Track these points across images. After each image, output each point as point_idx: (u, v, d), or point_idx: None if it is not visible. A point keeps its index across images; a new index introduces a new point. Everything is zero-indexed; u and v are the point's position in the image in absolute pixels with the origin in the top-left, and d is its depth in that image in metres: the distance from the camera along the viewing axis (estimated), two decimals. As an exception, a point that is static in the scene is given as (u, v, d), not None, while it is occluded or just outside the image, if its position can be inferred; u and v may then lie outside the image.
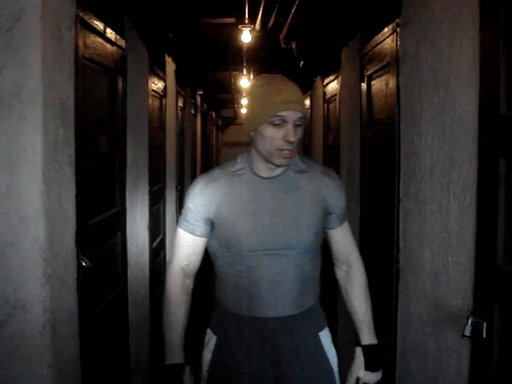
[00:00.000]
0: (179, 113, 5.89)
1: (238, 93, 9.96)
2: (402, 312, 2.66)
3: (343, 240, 2.04)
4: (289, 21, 4.01)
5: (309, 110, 6.29)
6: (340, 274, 2.07)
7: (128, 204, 3.28)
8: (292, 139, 1.74)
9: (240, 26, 4.49)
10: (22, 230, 1.92)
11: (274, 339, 1.88)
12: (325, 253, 2.02)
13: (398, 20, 2.71)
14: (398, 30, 2.71)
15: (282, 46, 4.85)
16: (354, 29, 3.77)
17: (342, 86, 4.35)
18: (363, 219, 3.59)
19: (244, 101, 11.34)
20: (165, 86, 4.75)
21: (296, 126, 1.76)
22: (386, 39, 2.94)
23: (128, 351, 3.33)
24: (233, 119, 15.66)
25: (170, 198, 5.09)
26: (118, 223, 3.12)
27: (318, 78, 5.79)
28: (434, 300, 2.24)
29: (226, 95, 10.28)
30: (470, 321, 1.82)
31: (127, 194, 3.25)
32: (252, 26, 4.43)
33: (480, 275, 1.86)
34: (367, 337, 1.96)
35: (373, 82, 3.37)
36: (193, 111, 7.60)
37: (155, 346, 4.21)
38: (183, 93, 6.25)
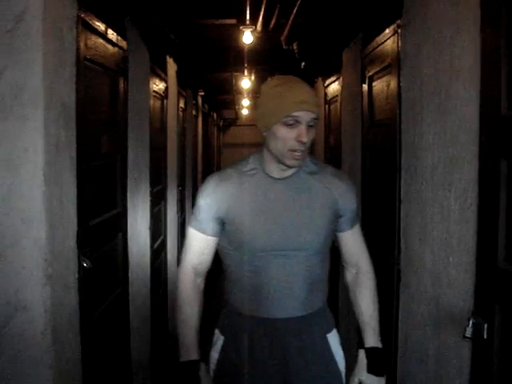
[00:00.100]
0: (180, 114, 5.88)
1: (240, 94, 9.95)
2: (403, 312, 2.66)
3: (353, 243, 2.02)
4: (290, 22, 4.01)
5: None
6: (349, 276, 2.05)
7: (129, 205, 3.28)
8: (305, 140, 1.74)
9: (241, 27, 4.48)
10: (23, 230, 1.92)
11: (281, 340, 1.88)
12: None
13: (399, 21, 2.72)
14: (400, 31, 2.71)
15: (284, 47, 4.85)
16: (355, 30, 3.77)
17: (343, 87, 4.35)
18: (364, 220, 3.59)
19: (245, 101, 11.35)
20: (166, 87, 4.75)
21: (309, 126, 1.76)
22: (388, 40, 2.94)
23: (129, 352, 3.33)
24: (234, 120, 15.64)
25: (171, 198, 5.09)
26: (119, 224, 3.12)
27: (320, 79, 5.79)
28: (435, 301, 2.24)
29: (227, 96, 10.27)
30: (470, 322, 1.82)
31: (128, 194, 3.25)
32: (253, 27, 4.42)
33: (481, 276, 1.85)
34: (371, 340, 1.93)
35: (374, 83, 3.37)
36: (194, 112, 7.60)
37: (156, 346, 4.21)
38: (184, 94, 6.25)
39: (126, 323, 3.27)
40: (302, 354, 1.89)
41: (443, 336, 2.16)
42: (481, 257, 1.85)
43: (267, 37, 4.75)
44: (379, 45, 3.13)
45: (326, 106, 5.38)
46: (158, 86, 4.33)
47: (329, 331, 1.97)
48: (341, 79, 4.42)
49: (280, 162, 1.82)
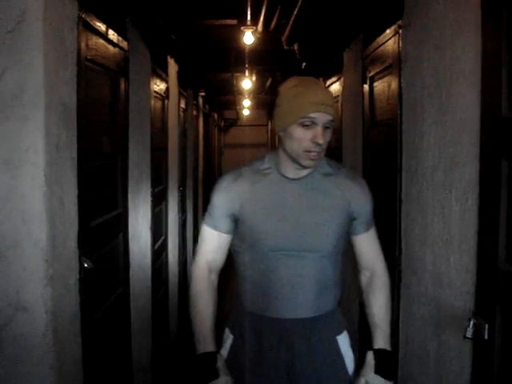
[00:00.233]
0: (181, 114, 5.88)
1: (241, 94, 9.96)
2: (404, 313, 2.65)
3: (368, 246, 2.00)
4: (291, 22, 4.01)
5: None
6: (363, 279, 2.02)
7: (130, 205, 3.28)
8: (321, 141, 1.74)
9: (242, 28, 4.48)
10: (24, 231, 1.92)
11: (289, 341, 1.87)
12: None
13: (399, 22, 2.72)
14: (400, 31, 2.71)
15: (285, 47, 4.85)
16: (356, 30, 3.77)
17: (344, 87, 4.35)
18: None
19: (246, 102, 11.35)
20: (167, 88, 4.75)
21: (325, 128, 1.76)
22: (388, 41, 2.94)
23: (130, 352, 3.33)
24: (235, 121, 15.62)
25: (172, 199, 5.09)
26: (120, 224, 3.12)
27: (321, 79, 5.78)
28: (436, 301, 2.24)
29: (228, 96, 10.27)
30: (471, 322, 1.82)
31: (129, 195, 3.25)
32: (254, 28, 4.43)
33: (482, 277, 1.86)
34: (381, 342, 1.89)
35: (375, 84, 3.37)
36: (195, 112, 7.60)
37: (157, 347, 4.21)
38: (185, 94, 6.25)
39: (127, 324, 3.27)
40: (310, 356, 1.88)
41: (444, 336, 2.16)
42: (481, 257, 1.85)
43: (268, 37, 4.76)
44: (380, 45, 3.13)
45: (327, 107, 5.36)
46: (158, 86, 4.34)
47: (339, 333, 1.96)
48: (342, 80, 4.42)
49: (295, 162, 1.82)
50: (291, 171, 1.88)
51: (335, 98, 4.87)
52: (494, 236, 1.75)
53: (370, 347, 1.90)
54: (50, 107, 1.96)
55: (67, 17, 2.16)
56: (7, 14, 1.88)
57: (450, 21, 2.09)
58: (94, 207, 2.57)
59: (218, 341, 1.98)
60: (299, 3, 3.55)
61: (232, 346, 1.96)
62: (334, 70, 4.69)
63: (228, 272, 2.06)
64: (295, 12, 3.73)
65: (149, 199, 3.91)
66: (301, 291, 1.86)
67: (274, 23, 4.29)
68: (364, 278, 2.02)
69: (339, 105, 4.61)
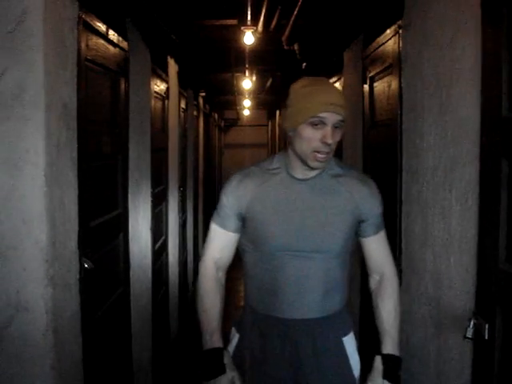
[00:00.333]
0: (181, 114, 5.88)
1: (241, 94, 9.96)
2: (405, 313, 2.65)
3: (377, 249, 1.97)
4: (291, 22, 4.01)
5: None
6: (372, 283, 2.00)
7: (130, 205, 3.28)
8: (330, 141, 1.73)
9: (242, 28, 4.48)
10: (24, 231, 1.92)
11: (295, 341, 1.87)
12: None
13: (400, 22, 2.72)
14: (400, 31, 2.71)
15: (285, 47, 4.86)
16: (356, 31, 3.77)
17: (344, 87, 4.35)
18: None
19: (246, 102, 11.35)
20: (167, 88, 4.75)
21: (335, 128, 1.75)
22: (388, 41, 2.94)
23: (130, 353, 3.33)
24: (236, 121, 15.62)
25: (172, 199, 5.09)
26: (121, 225, 3.12)
27: (321, 79, 5.78)
28: (436, 301, 2.24)
29: (228, 97, 10.27)
30: (471, 322, 1.82)
31: (129, 195, 3.25)
32: (254, 28, 4.43)
33: (482, 277, 1.86)
34: (389, 347, 1.87)
35: (375, 84, 3.37)
36: (195, 113, 7.60)
37: (157, 347, 4.21)
38: (186, 94, 6.24)
39: (128, 324, 3.27)
40: (315, 356, 1.87)
41: (444, 337, 2.16)
42: (482, 257, 1.85)
43: (268, 37, 4.76)
44: (380, 45, 3.13)
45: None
46: (159, 86, 4.34)
47: (345, 334, 1.95)
48: (342, 80, 4.42)
49: (303, 162, 1.82)
50: (300, 172, 1.87)
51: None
52: (494, 236, 1.75)
53: (378, 352, 1.88)
54: (51, 107, 1.97)
55: (67, 17, 2.16)
56: (7, 14, 1.88)
57: (450, 21, 2.09)
58: (94, 207, 2.57)
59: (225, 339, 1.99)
60: (299, 3, 3.56)
61: (238, 345, 1.97)
62: (334, 70, 4.69)
63: (231, 268, 2.05)
64: (295, 12, 3.73)
65: (149, 199, 3.91)
66: (307, 292, 1.86)
67: (274, 23, 4.29)
68: (373, 281, 2.00)
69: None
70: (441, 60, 2.19)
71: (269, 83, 8.40)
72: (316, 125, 1.74)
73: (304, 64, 5.53)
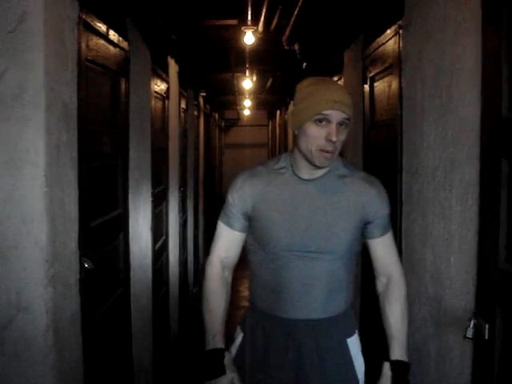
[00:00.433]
0: (182, 114, 5.88)
1: (241, 94, 9.96)
2: (405, 314, 2.65)
3: (384, 251, 1.95)
4: (291, 22, 4.01)
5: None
6: (379, 286, 1.98)
7: (131, 206, 3.28)
8: (334, 139, 1.72)
9: (243, 28, 4.48)
10: (24, 231, 1.92)
11: (298, 342, 1.86)
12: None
13: (400, 22, 2.72)
14: (401, 31, 2.71)
15: (285, 47, 4.85)
16: (356, 30, 3.77)
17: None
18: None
19: (247, 102, 11.35)
20: (167, 88, 4.76)
21: (340, 126, 1.75)
22: (389, 41, 2.94)
23: (131, 353, 3.34)
24: (236, 121, 15.63)
25: (172, 199, 5.09)
26: (121, 225, 3.12)
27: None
28: (436, 301, 2.24)
29: (228, 97, 10.27)
30: (472, 322, 1.82)
31: (130, 195, 3.26)
32: (255, 28, 4.43)
33: (482, 277, 1.86)
34: (397, 352, 1.86)
35: (375, 84, 3.37)
36: (195, 113, 7.60)
37: (158, 347, 4.21)
38: (186, 94, 6.25)
39: (128, 324, 3.27)
40: (319, 357, 1.87)
41: (444, 336, 2.16)
42: (482, 257, 1.85)
43: (269, 37, 4.76)
44: (380, 45, 3.13)
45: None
46: (159, 86, 4.34)
47: (349, 336, 1.93)
48: (342, 80, 4.42)
49: (309, 161, 1.81)
50: (306, 172, 1.87)
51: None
52: (494, 236, 1.75)
53: (387, 358, 1.86)
54: (51, 108, 1.97)
55: (68, 17, 2.16)
56: (8, 15, 1.88)
57: (451, 21, 2.09)
58: (95, 207, 2.57)
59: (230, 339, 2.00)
60: (300, 3, 3.56)
61: (241, 344, 1.97)
62: (335, 70, 4.69)
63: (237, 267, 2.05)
64: (296, 12, 3.73)
65: (149, 199, 3.91)
66: (311, 292, 1.85)
67: (274, 23, 4.29)
68: (380, 284, 1.98)
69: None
70: (441, 60, 2.19)
71: (269, 83, 8.40)
72: (321, 122, 1.74)
73: (304, 64, 5.54)
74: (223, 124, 15.75)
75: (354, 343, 1.94)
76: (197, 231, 7.81)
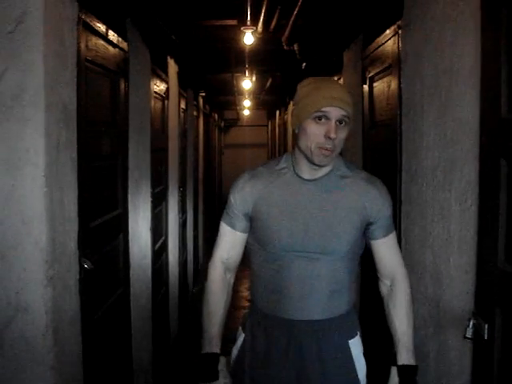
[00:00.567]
0: (181, 114, 5.88)
1: (241, 94, 9.97)
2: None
3: (386, 252, 1.92)
4: (291, 23, 4.01)
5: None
6: (383, 288, 1.96)
7: (130, 206, 3.28)
8: (333, 135, 1.71)
9: (242, 28, 4.49)
10: (24, 232, 1.92)
11: (299, 342, 1.86)
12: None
13: (399, 22, 2.72)
14: (400, 32, 2.71)
15: (285, 47, 4.85)
16: (355, 31, 3.77)
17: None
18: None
19: (246, 102, 11.35)
20: (167, 88, 4.76)
21: (339, 124, 1.74)
22: (388, 41, 2.95)
23: (130, 353, 3.34)
24: (235, 121, 15.63)
25: (172, 199, 5.09)
26: (120, 225, 3.12)
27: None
28: (436, 301, 2.24)
29: (228, 97, 10.28)
30: (471, 322, 1.82)
31: (129, 195, 3.26)
32: (254, 28, 4.43)
33: (481, 277, 1.86)
34: (404, 357, 1.83)
35: (375, 84, 3.37)
36: (195, 113, 7.60)
37: (158, 347, 4.21)
38: (185, 94, 6.25)
39: (128, 324, 3.27)
40: (320, 358, 1.86)
41: (444, 337, 2.16)
42: (481, 258, 1.85)
43: (268, 38, 4.76)
44: (380, 46, 3.13)
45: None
46: (158, 86, 4.34)
47: (351, 337, 1.92)
48: (341, 80, 4.42)
49: (309, 160, 1.81)
50: (307, 172, 1.86)
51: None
52: (493, 236, 1.75)
53: (394, 362, 1.85)
54: (50, 108, 1.97)
55: (67, 18, 2.16)
56: (7, 15, 1.88)
57: (450, 21, 2.09)
58: (94, 208, 2.57)
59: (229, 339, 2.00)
60: (299, 3, 3.56)
61: (242, 345, 1.96)
62: (334, 70, 4.69)
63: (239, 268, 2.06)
64: (295, 12, 3.73)
65: (149, 200, 3.91)
66: (312, 293, 1.84)
67: (273, 23, 4.29)
68: (384, 287, 1.96)
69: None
70: (440, 60, 2.19)
71: (269, 83, 8.41)
72: (320, 120, 1.74)
73: (304, 64, 5.54)
74: (223, 124, 15.75)
75: (355, 345, 1.92)
76: (196, 231, 7.81)
